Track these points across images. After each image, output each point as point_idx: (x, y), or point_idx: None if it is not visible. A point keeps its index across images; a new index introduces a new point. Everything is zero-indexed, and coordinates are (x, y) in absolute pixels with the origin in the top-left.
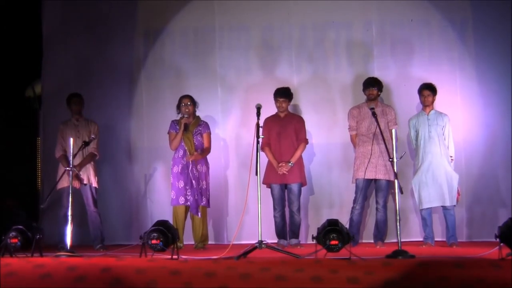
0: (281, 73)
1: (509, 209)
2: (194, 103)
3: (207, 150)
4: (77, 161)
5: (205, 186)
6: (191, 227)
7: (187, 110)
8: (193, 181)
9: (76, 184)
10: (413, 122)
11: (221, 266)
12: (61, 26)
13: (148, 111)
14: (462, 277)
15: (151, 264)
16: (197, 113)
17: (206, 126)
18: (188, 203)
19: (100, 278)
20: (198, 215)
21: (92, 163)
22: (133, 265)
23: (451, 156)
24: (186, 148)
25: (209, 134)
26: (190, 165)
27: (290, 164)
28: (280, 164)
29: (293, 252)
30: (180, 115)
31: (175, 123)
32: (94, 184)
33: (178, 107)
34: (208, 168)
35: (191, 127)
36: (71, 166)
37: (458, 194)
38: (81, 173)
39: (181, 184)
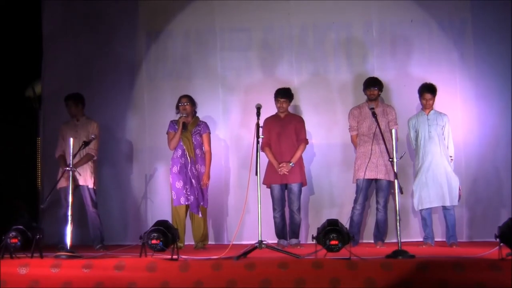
0: (282, 74)
1: (509, 209)
2: (192, 103)
3: (208, 153)
4: (74, 161)
5: (204, 186)
6: (191, 227)
7: (184, 109)
8: (193, 180)
9: (67, 184)
10: (412, 122)
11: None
12: (61, 26)
13: (149, 112)
14: (462, 278)
15: None
16: (198, 114)
17: (206, 126)
18: (188, 202)
19: None
20: (199, 214)
21: (90, 163)
22: None
23: (451, 156)
24: (184, 147)
25: (209, 134)
26: (189, 165)
27: (291, 164)
28: (281, 165)
29: (293, 252)
30: (179, 115)
31: (173, 123)
32: (91, 185)
33: (177, 107)
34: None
35: (189, 127)
36: (70, 166)
37: (459, 194)
38: (78, 173)
39: (180, 184)
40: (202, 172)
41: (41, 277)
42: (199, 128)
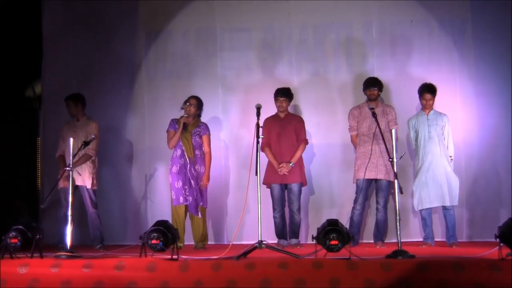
0: (282, 74)
1: (509, 209)
2: (198, 106)
3: (208, 154)
4: (73, 161)
5: (204, 187)
6: (191, 227)
7: (188, 109)
8: (192, 181)
9: (66, 184)
10: (412, 122)
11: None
12: (61, 26)
13: (149, 112)
14: (462, 278)
15: None
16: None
17: (206, 128)
18: (187, 202)
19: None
20: (198, 215)
21: (88, 164)
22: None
23: (451, 156)
24: (184, 148)
25: (209, 136)
26: (188, 165)
27: (291, 164)
28: (281, 165)
29: (293, 252)
30: (182, 111)
31: (174, 122)
32: (89, 186)
33: (185, 103)
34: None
35: (190, 128)
36: (70, 166)
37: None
38: (78, 173)
39: (180, 184)
40: (202, 172)
41: (41, 276)
42: (199, 129)
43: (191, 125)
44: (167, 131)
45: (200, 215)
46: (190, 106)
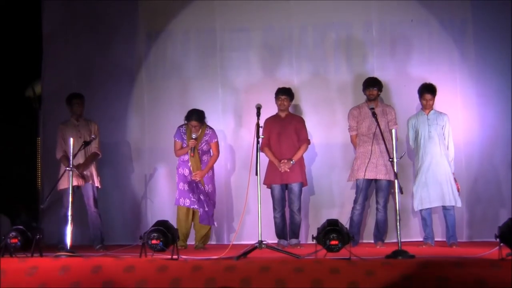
0: (282, 74)
1: (509, 209)
2: (202, 121)
3: (215, 157)
4: (80, 160)
5: (211, 190)
6: (193, 227)
7: (195, 131)
8: (201, 196)
9: (81, 182)
10: (412, 122)
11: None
12: (61, 26)
13: (149, 112)
14: (462, 278)
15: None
16: None
17: (213, 134)
18: (194, 206)
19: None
20: (211, 224)
21: (94, 162)
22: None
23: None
24: (190, 166)
25: (217, 142)
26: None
27: (291, 162)
28: (282, 161)
29: (293, 252)
30: (185, 122)
31: (181, 131)
32: (97, 184)
33: (186, 119)
34: (213, 172)
35: (197, 140)
36: (71, 166)
37: (458, 190)
38: (79, 174)
39: (185, 187)
40: (209, 177)
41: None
42: (207, 138)
43: (198, 137)
44: (174, 136)
45: (215, 224)
46: (195, 127)
